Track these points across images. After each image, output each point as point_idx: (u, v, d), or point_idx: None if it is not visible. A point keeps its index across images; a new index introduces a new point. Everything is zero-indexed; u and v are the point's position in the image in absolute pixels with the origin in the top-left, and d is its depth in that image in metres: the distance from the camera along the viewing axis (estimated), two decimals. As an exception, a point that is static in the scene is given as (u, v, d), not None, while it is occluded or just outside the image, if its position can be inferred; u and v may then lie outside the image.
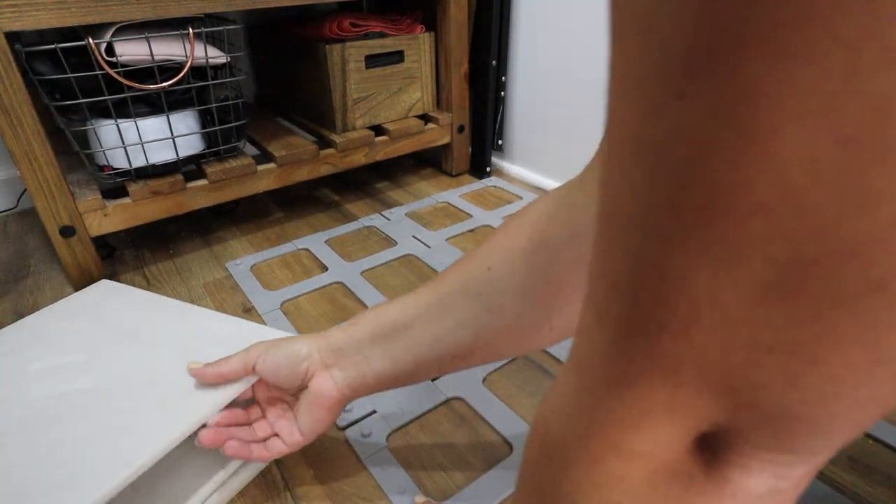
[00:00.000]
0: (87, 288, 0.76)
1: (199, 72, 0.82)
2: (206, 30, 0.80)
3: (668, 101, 0.14)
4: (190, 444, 0.53)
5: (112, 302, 0.71)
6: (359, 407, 0.58)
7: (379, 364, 0.42)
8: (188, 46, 0.76)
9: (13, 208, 1.09)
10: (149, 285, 0.82)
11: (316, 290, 0.79)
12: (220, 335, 0.59)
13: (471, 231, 0.94)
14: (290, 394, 0.47)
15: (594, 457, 0.20)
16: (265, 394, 0.48)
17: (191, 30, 0.76)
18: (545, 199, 0.38)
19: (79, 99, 0.72)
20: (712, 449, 0.19)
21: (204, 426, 0.46)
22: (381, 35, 0.98)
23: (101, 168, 0.80)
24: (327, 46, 0.92)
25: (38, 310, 0.76)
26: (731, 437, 0.18)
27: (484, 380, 0.62)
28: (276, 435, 0.46)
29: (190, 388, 0.50)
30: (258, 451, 0.46)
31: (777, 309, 0.14)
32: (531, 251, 0.36)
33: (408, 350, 0.41)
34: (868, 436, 0.54)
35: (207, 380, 0.47)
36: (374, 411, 0.58)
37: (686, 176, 0.14)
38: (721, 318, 0.15)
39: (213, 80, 0.83)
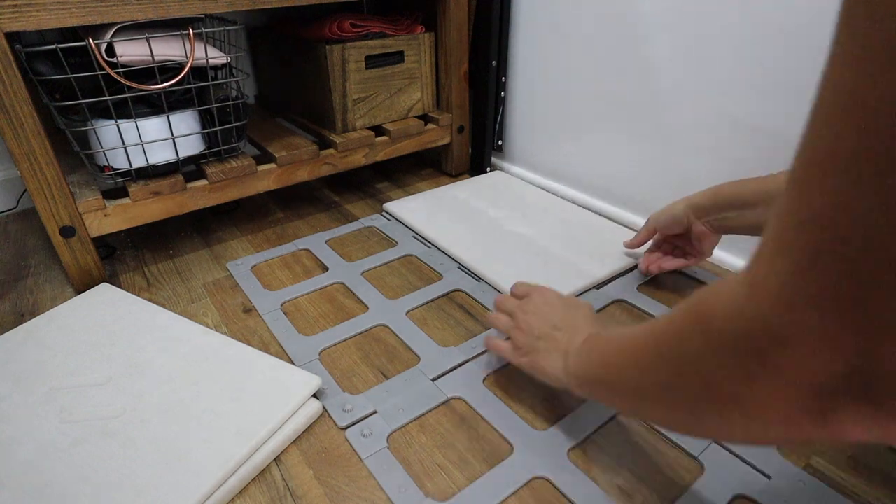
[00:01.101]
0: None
1: (199, 72, 0.83)
2: (207, 30, 0.80)
3: None
4: (190, 443, 0.53)
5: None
6: (359, 407, 0.58)
7: (729, 222, 0.65)
8: (188, 47, 0.76)
9: (13, 208, 1.09)
10: (149, 285, 0.82)
11: (316, 290, 0.79)
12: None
13: (471, 231, 0.94)
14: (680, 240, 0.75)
15: (741, 354, 0.25)
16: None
17: (191, 30, 0.76)
18: None
19: (79, 99, 0.72)
20: (834, 395, 0.23)
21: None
22: (382, 35, 0.98)
23: (102, 168, 0.80)
24: (327, 47, 0.92)
25: (38, 310, 0.77)
26: (856, 389, 0.22)
27: (484, 380, 0.62)
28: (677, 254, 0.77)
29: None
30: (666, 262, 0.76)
31: None
32: None
33: (748, 221, 0.62)
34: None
35: (629, 246, 0.80)
36: (375, 411, 0.58)
37: None
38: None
39: (213, 80, 0.83)
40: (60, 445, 0.53)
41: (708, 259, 0.77)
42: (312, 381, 0.59)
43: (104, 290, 0.77)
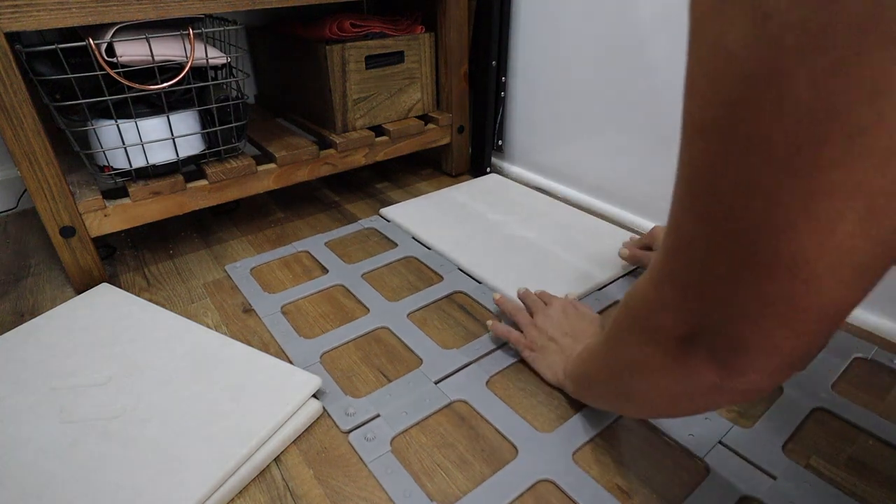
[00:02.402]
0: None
1: (199, 72, 0.82)
2: (207, 30, 0.80)
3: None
4: (189, 444, 0.53)
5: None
6: (362, 410, 0.58)
7: None
8: (188, 47, 0.76)
9: (13, 208, 1.09)
10: (149, 285, 0.82)
11: (316, 292, 0.79)
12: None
13: (471, 231, 0.94)
14: None
15: (642, 320, 0.35)
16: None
17: (191, 30, 0.76)
18: None
19: (79, 99, 0.72)
20: (689, 344, 0.32)
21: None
22: (382, 35, 0.98)
23: (102, 168, 0.80)
24: (327, 47, 0.92)
25: (38, 310, 0.77)
26: (701, 339, 0.31)
27: (487, 382, 0.62)
28: None
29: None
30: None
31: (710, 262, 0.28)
32: None
33: None
34: (868, 435, 0.54)
35: (636, 259, 0.81)
36: (378, 415, 0.58)
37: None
38: (688, 260, 0.29)
39: (213, 80, 0.83)
40: (60, 446, 0.52)
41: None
42: (312, 381, 0.59)
43: (104, 291, 0.77)
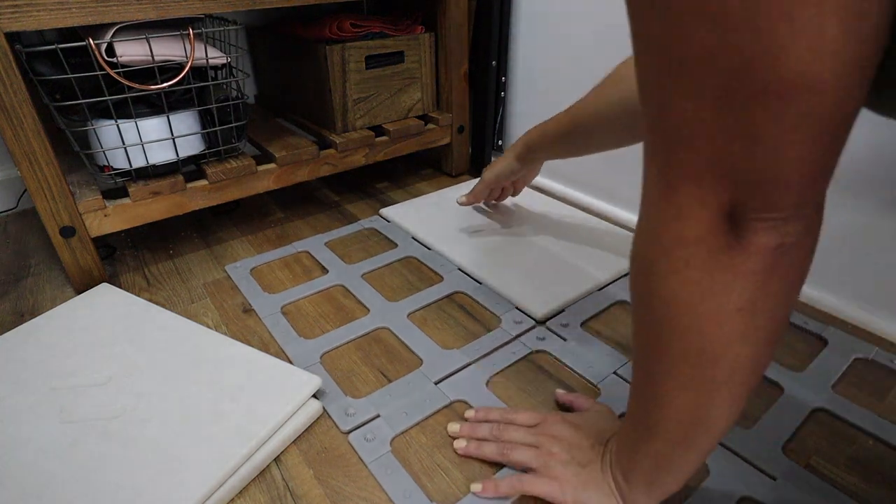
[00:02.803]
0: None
1: (199, 72, 0.82)
2: (207, 30, 0.80)
3: None
4: (190, 445, 0.53)
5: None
6: (362, 411, 0.58)
7: (549, 157, 0.81)
8: (188, 47, 0.76)
9: (13, 208, 1.09)
10: (149, 285, 0.82)
11: (316, 292, 0.79)
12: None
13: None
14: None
15: (667, 248, 0.31)
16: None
17: (191, 30, 0.76)
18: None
19: (79, 99, 0.72)
20: (735, 223, 0.29)
21: None
22: (382, 35, 0.98)
23: (102, 168, 0.80)
24: (327, 47, 0.92)
25: (38, 310, 0.77)
26: (746, 210, 0.28)
27: (487, 383, 0.62)
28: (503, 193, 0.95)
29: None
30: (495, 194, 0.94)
31: (731, 115, 0.26)
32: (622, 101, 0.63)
33: (566, 149, 0.77)
34: (868, 435, 0.54)
35: (475, 200, 0.95)
36: (378, 415, 0.58)
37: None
38: (719, 133, 0.26)
39: (213, 80, 0.83)
40: (60, 445, 0.52)
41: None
42: (312, 381, 0.59)
43: (104, 291, 0.77)
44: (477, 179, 1.13)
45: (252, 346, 0.67)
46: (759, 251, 0.29)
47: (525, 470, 0.49)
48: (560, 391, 0.59)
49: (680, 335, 0.32)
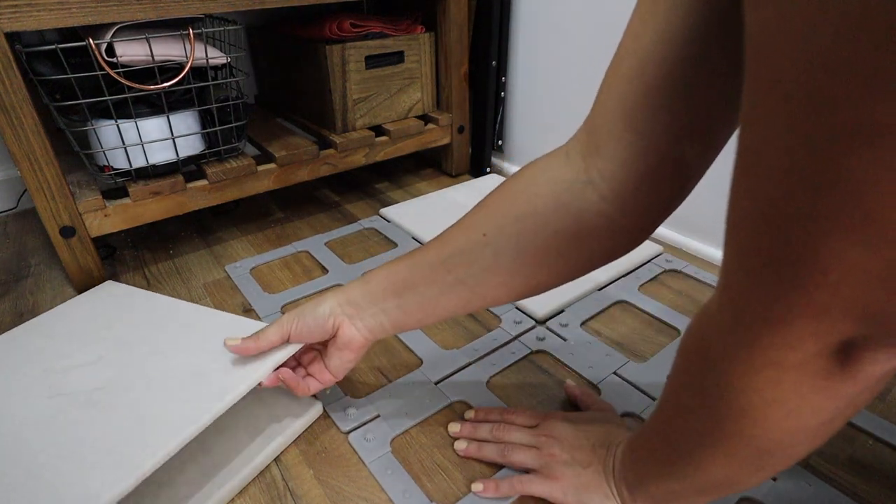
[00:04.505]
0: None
1: (199, 72, 0.82)
2: (207, 30, 0.80)
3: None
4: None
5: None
6: (362, 411, 0.58)
7: (393, 315, 0.49)
8: (188, 47, 0.76)
9: (13, 208, 1.09)
10: (149, 285, 0.82)
11: (316, 292, 0.79)
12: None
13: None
14: (319, 343, 0.55)
15: (756, 368, 0.27)
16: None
17: (191, 30, 0.76)
18: (531, 170, 0.45)
19: (79, 99, 0.72)
20: (846, 351, 0.25)
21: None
22: (382, 35, 0.98)
23: (102, 168, 0.80)
24: (327, 47, 0.92)
25: (38, 310, 0.77)
26: (863, 342, 0.24)
27: (487, 383, 0.62)
28: (310, 376, 0.55)
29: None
30: (302, 386, 0.53)
31: (882, 258, 0.20)
32: (521, 218, 0.43)
33: (417, 303, 0.48)
34: (868, 435, 0.54)
35: (249, 352, 0.53)
36: (378, 415, 0.58)
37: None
38: (866, 278, 0.21)
39: (213, 80, 0.83)
40: (43, 417, 0.51)
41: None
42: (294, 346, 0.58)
43: (110, 287, 0.76)
44: (477, 179, 1.13)
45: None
46: (866, 378, 0.26)
47: (526, 471, 0.49)
48: (570, 382, 0.60)
49: (745, 440, 0.30)
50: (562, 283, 0.45)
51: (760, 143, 0.22)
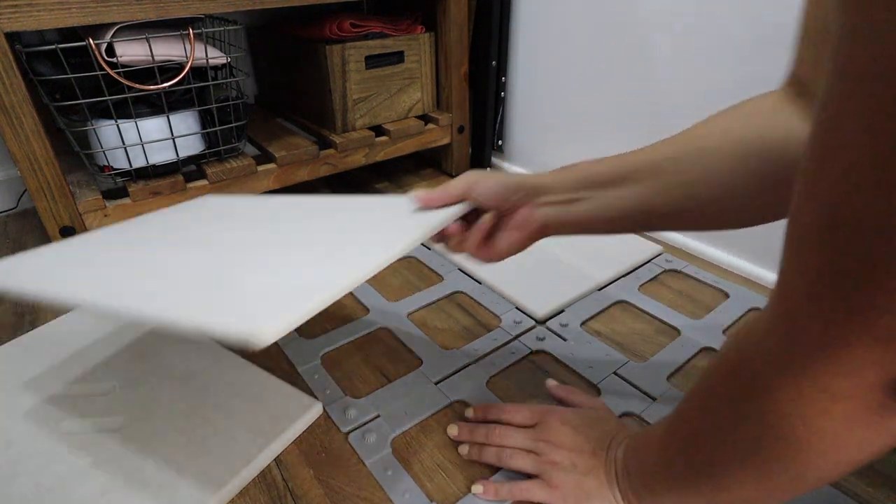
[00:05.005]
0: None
1: (199, 72, 0.82)
2: (207, 30, 0.80)
3: None
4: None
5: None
6: (362, 411, 0.58)
7: (584, 208, 0.46)
8: (188, 47, 0.76)
9: (13, 208, 1.09)
10: (149, 286, 0.82)
11: (316, 290, 0.79)
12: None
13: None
14: (495, 217, 0.49)
15: (805, 395, 0.25)
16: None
17: (191, 30, 0.76)
18: (757, 100, 0.42)
19: (79, 99, 0.72)
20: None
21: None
22: (382, 35, 0.98)
23: (102, 168, 0.80)
24: (327, 47, 0.92)
25: (38, 310, 0.77)
26: None
27: (487, 382, 0.62)
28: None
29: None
30: (463, 245, 0.49)
31: None
32: (748, 141, 0.40)
33: (614, 202, 0.44)
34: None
35: (433, 202, 0.48)
36: (378, 415, 0.58)
37: None
38: None
39: (213, 80, 0.83)
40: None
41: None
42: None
43: (209, 200, 0.74)
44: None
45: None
46: None
47: (529, 475, 0.49)
48: (552, 383, 0.59)
49: (783, 466, 0.28)
50: (772, 220, 0.41)
51: (833, 144, 0.20)
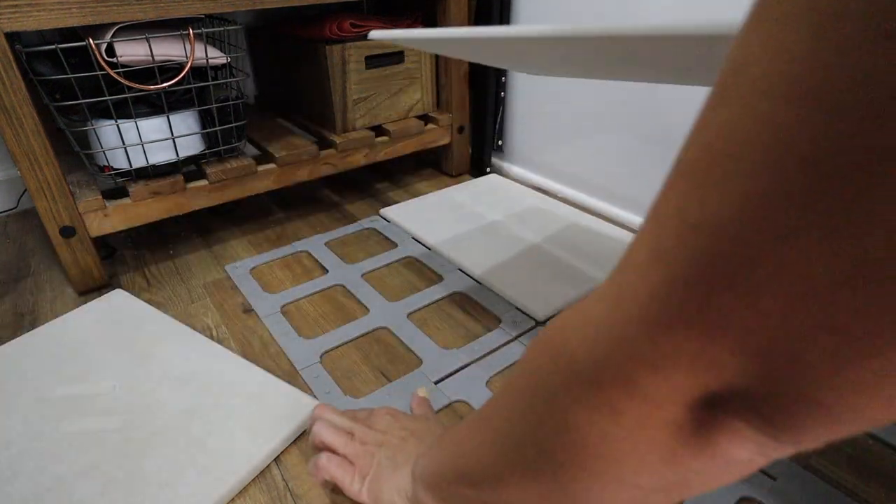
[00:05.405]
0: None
1: (199, 72, 0.82)
2: (207, 30, 0.80)
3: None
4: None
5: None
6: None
7: None
8: (188, 47, 0.76)
9: (13, 208, 1.09)
10: (149, 286, 0.82)
11: (316, 292, 0.79)
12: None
13: (471, 231, 0.94)
14: None
15: (604, 384, 0.20)
16: None
17: (191, 30, 0.76)
18: None
19: (79, 99, 0.72)
20: (711, 410, 0.19)
21: None
22: (382, 35, 0.98)
23: (102, 168, 0.80)
24: (327, 47, 0.92)
25: (38, 310, 0.77)
26: (737, 403, 0.18)
27: (487, 382, 0.62)
28: None
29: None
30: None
31: (866, 293, 0.14)
32: None
33: None
34: (868, 435, 0.54)
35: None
36: (376, 412, 0.58)
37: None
38: (802, 290, 0.15)
39: (213, 80, 0.83)
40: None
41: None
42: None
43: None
44: (477, 180, 1.13)
45: (253, 346, 0.67)
46: (715, 458, 0.20)
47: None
48: (416, 393, 0.59)
49: (564, 476, 0.24)
50: None
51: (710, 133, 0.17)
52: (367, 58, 0.97)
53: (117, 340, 0.67)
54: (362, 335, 0.70)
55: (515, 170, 1.17)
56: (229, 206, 1.05)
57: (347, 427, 0.48)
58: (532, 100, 1.08)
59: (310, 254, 0.89)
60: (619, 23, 0.31)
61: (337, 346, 0.68)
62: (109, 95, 0.73)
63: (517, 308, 0.74)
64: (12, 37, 0.65)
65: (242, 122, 0.87)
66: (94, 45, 0.69)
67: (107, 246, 0.92)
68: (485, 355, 0.66)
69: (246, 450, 0.52)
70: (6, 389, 0.60)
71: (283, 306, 0.75)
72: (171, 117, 0.79)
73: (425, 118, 1.10)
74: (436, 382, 0.62)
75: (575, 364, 0.22)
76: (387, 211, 1.00)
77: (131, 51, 0.72)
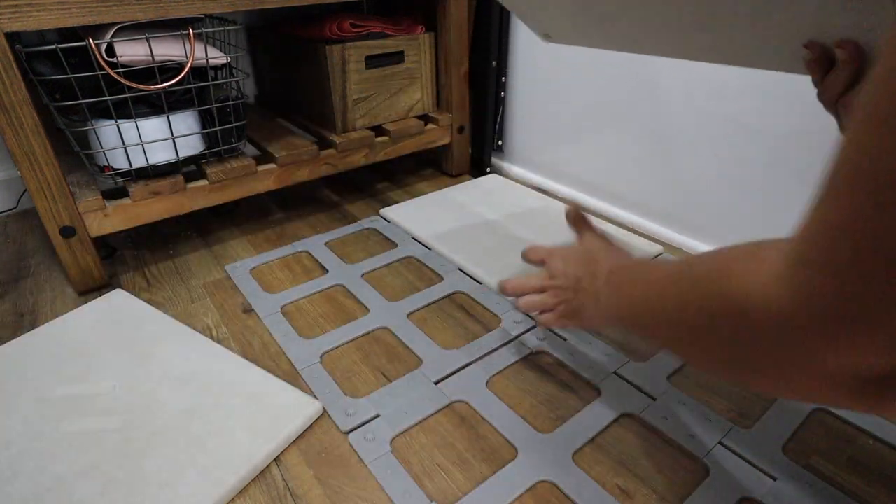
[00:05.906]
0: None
1: (199, 72, 0.82)
2: (207, 30, 0.80)
3: None
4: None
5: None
6: (362, 411, 0.58)
7: None
8: (188, 47, 0.76)
9: (13, 208, 1.09)
10: (149, 286, 0.82)
11: (316, 292, 0.79)
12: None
13: (471, 231, 0.93)
14: None
15: (787, 343, 0.23)
16: None
17: (191, 30, 0.76)
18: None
19: (79, 99, 0.72)
20: (883, 383, 0.22)
21: None
22: (382, 35, 0.98)
23: (102, 168, 0.80)
24: (327, 47, 0.92)
25: (38, 310, 0.77)
26: None
27: (487, 382, 0.62)
28: None
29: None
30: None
31: None
32: None
33: None
34: (868, 435, 0.54)
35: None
36: (378, 415, 0.58)
37: None
38: None
39: (213, 80, 0.83)
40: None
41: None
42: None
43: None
44: (477, 179, 1.13)
45: (253, 346, 0.67)
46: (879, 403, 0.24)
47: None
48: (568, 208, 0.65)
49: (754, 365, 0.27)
50: None
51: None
52: (367, 58, 0.97)
53: (117, 340, 0.67)
54: (362, 335, 0.70)
55: (515, 170, 1.17)
56: (229, 206, 1.05)
57: (535, 285, 0.60)
58: (532, 100, 1.08)
59: (310, 254, 0.89)
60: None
61: (337, 346, 0.68)
62: (109, 95, 0.72)
63: (517, 308, 0.74)
64: (12, 37, 0.65)
65: (242, 122, 0.87)
66: (94, 45, 0.69)
67: (107, 246, 0.92)
68: (484, 355, 0.66)
69: (246, 450, 0.52)
70: (6, 389, 0.60)
71: (283, 306, 0.75)
72: (171, 117, 0.79)
73: (425, 118, 1.10)
74: (436, 382, 0.62)
75: (757, 322, 0.25)
76: (387, 211, 1.00)
77: (131, 51, 0.72)
